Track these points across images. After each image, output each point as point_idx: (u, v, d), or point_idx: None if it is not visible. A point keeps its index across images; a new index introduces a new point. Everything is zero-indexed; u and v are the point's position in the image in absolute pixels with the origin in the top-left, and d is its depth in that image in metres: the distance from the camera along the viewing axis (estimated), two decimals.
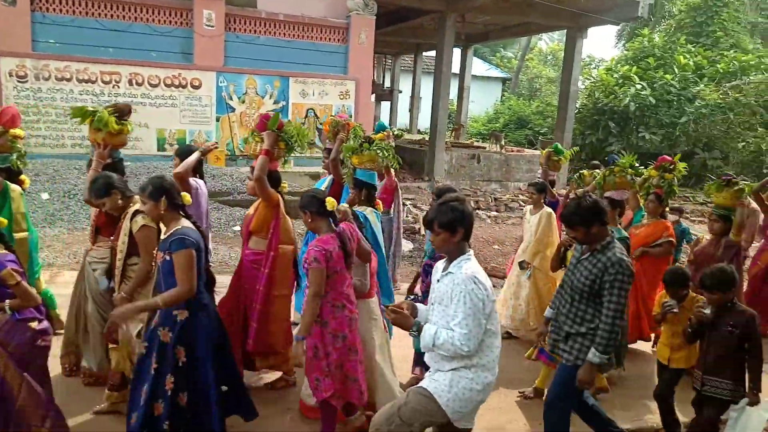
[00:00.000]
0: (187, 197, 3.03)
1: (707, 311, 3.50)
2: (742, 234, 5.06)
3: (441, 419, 2.64)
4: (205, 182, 4.17)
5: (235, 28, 11.10)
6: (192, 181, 4.07)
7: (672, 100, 15.47)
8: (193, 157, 4.02)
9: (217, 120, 11.16)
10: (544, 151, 6.65)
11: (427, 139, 16.42)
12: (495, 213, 12.49)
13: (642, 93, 15.55)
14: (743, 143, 14.38)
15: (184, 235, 2.83)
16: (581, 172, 6.00)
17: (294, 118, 11.74)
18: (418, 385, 2.72)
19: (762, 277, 6.24)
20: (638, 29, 19.23)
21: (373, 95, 21.62)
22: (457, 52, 20.13)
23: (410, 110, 23.72)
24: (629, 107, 15.54)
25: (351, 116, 12.38)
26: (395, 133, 5.86)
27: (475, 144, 18.05)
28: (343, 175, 4.79)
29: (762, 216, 6.40)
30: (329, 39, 12.01)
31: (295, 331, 3.52)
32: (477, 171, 14.77)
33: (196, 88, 10.88)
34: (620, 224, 4.80)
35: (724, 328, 3.40)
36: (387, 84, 25.37)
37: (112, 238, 3.56)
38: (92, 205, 3.70)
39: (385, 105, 25.64)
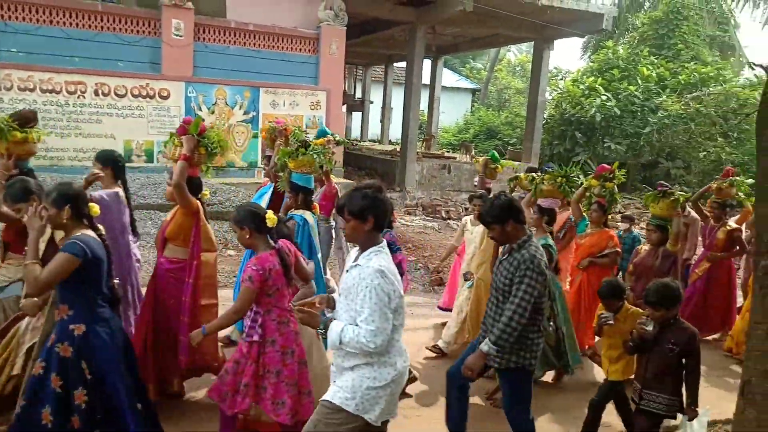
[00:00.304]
0: (95, 208, 2.90)
1: (649, 327, 3.41)
2: (679, 244, 5.07)
3: (360, 422, 2.55)
4: (127, 189, 3.95)
5: (204, 38, 11.02)
6: (103, 193, 3.81)
7: (636, 111, 15.87)
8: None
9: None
10: (481, 159, 6.58)
11: (398, 149, 16.51)
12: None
13: (607, 104, 15.93)
14: (704, 152, 14.83)
15: (77, 240, 2.69)
16: (518, 175, 6.00)
17: (265, 129, 11.69)
18: (323, 399, 2.62)
19: (701, 285, 6.39)
20: (603, 42, 19.74)
21: (345, 106, 21.70)
22: (427, 63, 20.35)
23: (381, 121, 23.83)
24: (595, 118, 15.89)
25: (323, 127, 12.40)
26: (337, 139, 5.87)
27: (446, 154, 18.21)
28: (279, 180, 4.64)
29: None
30: (300, 49, 12.01)
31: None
32: (448, 181, 14.90)
33: (165, 98, 10.76)
34: (549, 232, 4.82)
35: (665, 344, 3.35)
36: (358, 95, 25.46)
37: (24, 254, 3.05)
38: (2, 218, 3.41)
39: (357, 116, 25.71)
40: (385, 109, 23.38)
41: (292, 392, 3.09)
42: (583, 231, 5.60)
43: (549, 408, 4.43)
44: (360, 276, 2.50)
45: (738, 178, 6.48)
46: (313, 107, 12.29)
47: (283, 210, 4.37)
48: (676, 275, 4.97)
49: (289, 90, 12.00)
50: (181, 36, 10.61)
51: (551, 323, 4.67)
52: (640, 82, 16.41)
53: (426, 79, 20.75)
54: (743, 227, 6.69)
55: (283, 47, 11.85)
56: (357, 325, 2.46)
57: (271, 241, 3.17)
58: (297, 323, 3.13)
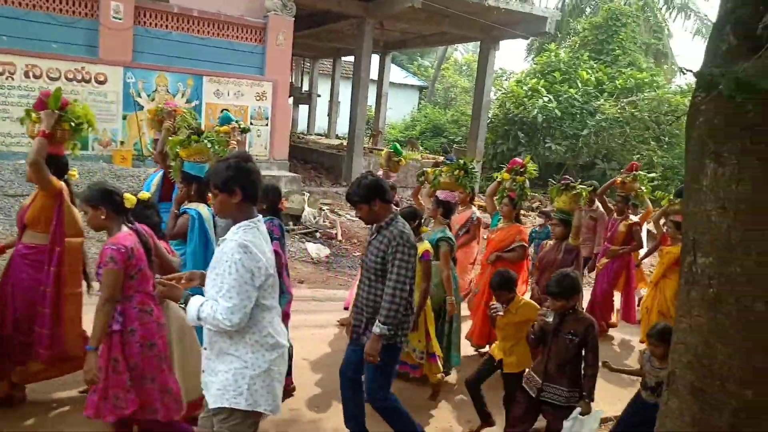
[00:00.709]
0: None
1: (549, 319, 3.47)
2: (580, 238, 5.15)
3: (255, 417, 2.50)
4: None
5: (145, 22, 10.62)
6: None
7: (575, 113, 16.43)
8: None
9: (124, 118, 10.62)
10: (384, 152, 6.51)
11: (345, 144, 16.46)
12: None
13: (549, 105, 16.41)
14: (638, 155, 15.50)
15: None
16: (424, 169, 6.00)
17: (208, 119, 11.41)
18: (212, 408, 2.51)
19: (603, 277, 6.67)
20: (546, 44, 20.31)
21: (291, 98, 21.42)
22: (375, 59, 20.36)
23: (329, 114, 23.68)
24: (537, 118, 16.34)
25: (268, 119, 12.21)
26: (242, 126, 5.57)
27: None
28: (170, 169, 4.38)
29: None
30: (246, 38, 11.76)
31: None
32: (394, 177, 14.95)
33: (101, 83, 10.31)
34: (447, 223, 4.85)
35: (565, 335, 3.41)
36: (306, 87, 25.19)
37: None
38: None
39: (304, 108, 25.44)
40: (333, 102, 23.24)
41: (148, 387, 2.89)
42: (495, 226, 5.61)
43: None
44: (223, 250, 2.40)
45: (641, 172, 6.73)
46: (258, 98, 12.08)
47: (175, 203, 4.03)
48: (579, 269, 5.07)
49: (234, 79, 11.74)
50: (120, 19, 10.18)
51: (439, 319, 4.73)
52: (579, 85, 16.99)
53: (374, 74, 20.81)
54: (650, 223, 6.95)
55: (228, 35, 11.57)
56: (216, 300, 2.35)
57: (128, 224, 2.98)
58: (162, 314, 3.00)
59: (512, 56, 65.56)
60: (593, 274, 7.28)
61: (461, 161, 5.41)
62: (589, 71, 17.43)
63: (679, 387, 2.80)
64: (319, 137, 22.61)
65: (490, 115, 17.24)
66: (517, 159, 5.84)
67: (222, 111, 11.76)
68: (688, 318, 2.78)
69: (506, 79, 21.11)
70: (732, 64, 2.55)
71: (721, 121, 2.62)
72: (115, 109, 10.49)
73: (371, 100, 20.33)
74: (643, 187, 6.67)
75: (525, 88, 17.38)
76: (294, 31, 12.11)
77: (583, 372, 3.45)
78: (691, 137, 2.82)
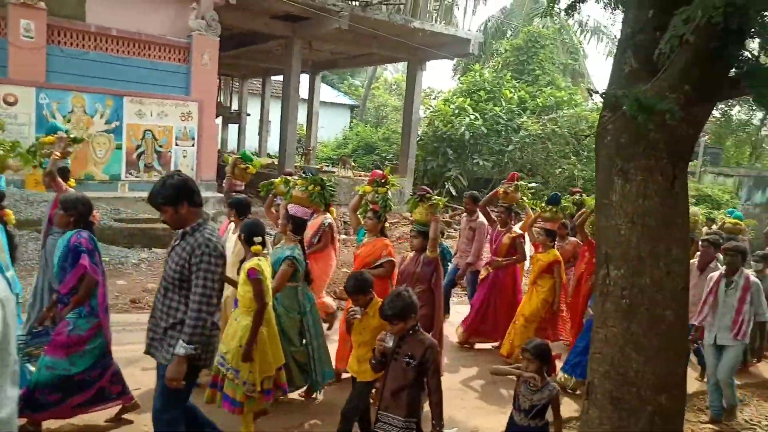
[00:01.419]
0: None
1: (389, 342, 3.18)
2: (437, 250, 4.93)
3: None
4: None
5: (59, 41, 10.13)
6: None
7: (501, 130, 17.00)
8: None
9: (37, 140, 10.02)
10: (231, 158, 6.01)
11: (276, 162, 16.26)
12: (344, 236, 12.67)
13: (475, 123, 16.89)
14: (560, 169, 16.20)
15: None
16: (272, 180, 5.80)
17: (130, 140, 10.98)
18: None
19: (486, 292, 6.48)
20: (471, 65, 20.95)
21: (220, 118, 21.00)
22: (305, 78, 20.34)
23: (259, 134, 23.38)
24: (464, 136, 16.78)
25: (194, 139, 11.89)
26: (72, 137, 5.12)
27: (325, 168, 18.24)
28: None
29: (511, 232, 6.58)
30: (169, 58, 11.45)
31: None
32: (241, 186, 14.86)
33: (11, 104, 9.71)
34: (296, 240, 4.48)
35: (402, 358, 3.12)
36: (235, 107, 24.80)
37: None
38: None
39: (234, 128, 25.01)
40: (263, 122, 22.99)
41: None
42: (360, 241, 5.31)
43: None
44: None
45: (522, 182, 6.72)
46: (184, 118, 11.74)
47: None
48: (439, 281, 4.92)
49: (158, 100, 11.37)
50: (31, 38, 9.66)
51: (303, 339, 4.46)
52: (504, 103, 17.61)
53: (304, 93, 20.78)
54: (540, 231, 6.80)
55: (150, 55, 11.22)
56: None
57: None
58: None
59: (440, 76, 67.42)
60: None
61: (318, 177, 5.08)
62: (512, 90, 18.11)
63: (597, 396, 2.89)
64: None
65: (419, 133, 17.56)
66: (378, 170, 5.58)
67: (144, 131, 11.42)
68: (604, 329, 2.89)
69: (435, 98, 21.58)
70: (634, 86, 2.71)
71: (627, 140, 2.77)
72: (27, 131, 9.89)
73: (302, 118, 20.26)
74: (525, 197, 6.64)
75: (452, 106, 17.83)
76: (220, 51, 11.90)
77: (428, 398, 3.14)
78: (600, 155, 2.96)
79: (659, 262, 2.73)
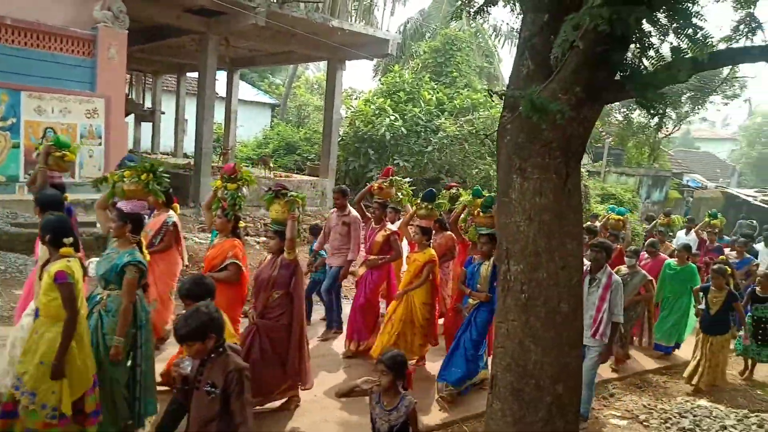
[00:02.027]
0: None
1: (187, 368, 2.78)
2: (295, 252, 4.57)
3: None
4: None
5: None
6: None
7: (420, 131, 17.27)
8: None
9: None
10: (41, 146, 5.32)
11: (192, 163, 15.71)
12: (264, 238, 12.43)
13: (395, 124, 17.07)
14: (476, 170, 16.67)
15: None
16: (105, 176, 5.44)
17: (28, 138, 10.24)
18: None
19: (362, 289, 6.33)
20: (391, 66, 21.15)
21: (132, 116, 20.03)
22: (223, 76, 19.78)
23: (175, 133, 22.50)
24: (385, 136, 16.91)
25: (101, 137, 11.26)
26: None
27: (244, 168, 17.80)
28: None
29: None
30: (72, 51, 10.76)
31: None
32: (246, 196, 14.53)
33: None
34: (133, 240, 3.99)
35: (204, 387, 2.70)
36: (148, 104, 23.73)
37: None
38: None
39: (147, 126, 23.91)
40: (179, 120, 22.14)
41: None
42: (212, 242, 5.00)
43: None
44: None
45: (397, 177, 6.52)
46: (89, 115, 11.09)
47: None
48: (298, 287, 4.58)
49: (60, 95, 10.66)
50: None
51: (129, 358, 3.82)
52: (423, 104, 17.90)
53: (222, 91, 20.19)
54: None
55: (50, 47, 10.51)
56: None
57: None
58: None
59: (361, 76, 67.82)
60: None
61: (147, 163, 4.45)
62: (431, 92, 18.45)
63: (500, 389, 2.99)
64: (165, 156, 21.38)
65: (341, 133, 17.52)
66: (229, 164, 5.38)
67: (45, 129, 10.67)
68: (505, 323, 2.99)
69: (356, 99, 21.61)
70: (530, 88, 2.82)
71: (524, 140, 2.88)
72: None
73: (220, 117, 19.68)
74: (400, 193, 6.45)
75: (373, 107, 17.92)
76: (130, 45, 11.33)
77: None
78: (500, 154, 3.06)
79: (555, 257, 2.85)
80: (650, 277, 7.20)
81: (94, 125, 11.15)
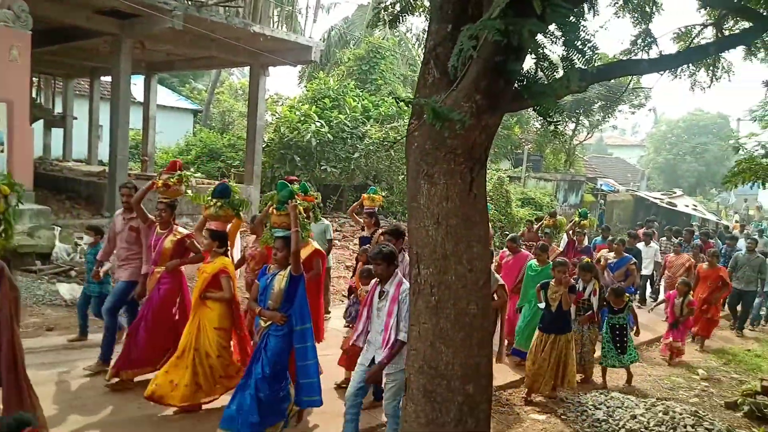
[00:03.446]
0: None
1: None
2: None
3: None
4: None
5: None
6: None
7: (346, 138, 17.31)
8: None
9: None
10: None
11: (108, 171, 14.98)
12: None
13: (321, 130, 17.02)
14: (402, 176, 16.90)
15: None
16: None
17: None
18: None
19: (149, 303, 5.49)
20: (315, 73, 21.09)
21: (41, 121, 18.88)
22: (141, 80, 19.03)
23: (89, 139, 21.37)
24: (311, 143, 16.83)
25: (3, 144, 10.54)
26: None
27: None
28: None
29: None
30: None
31: None
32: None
33: None
34: None
35: None
36: (59, 109, 22.43)
37: None
38: None
39: (58, 132, 22.59)
40: (93, 126, 21.05)
41: None
42: None
43: None
44: None
45: (186, 172, 5.80)
46: None
47: None
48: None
49: None
50: None
51: None
52: (348, 111, 17.97)
53: (140, 96, 19.41)
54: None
55: None
56: None
57: None
58: None
59: (286, 82, 67.27)
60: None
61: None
62: (356, 98, 18.55)
63: (413, 391, 3.03)
64: (78, 164, 20.29)
65: (266, 140, 17.26)
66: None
67: None
68: (417, 326, 3.04)
69: (281, 105, 21.38)
70: (435, 95, 2.90)
71: (430, 146, 2.95)
72: None
73: (138, 123, 18.89)
74: (189, 191, 5.76)
75: (298, 113, 17.80)
76: (35, 47, 10.69)
77: None
78: (409, 161, 3.11)
79: (462, 259, 2.94)
80: (502, 282, 6.32)
81: None
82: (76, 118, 22.18)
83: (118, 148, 12.99)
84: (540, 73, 2.77)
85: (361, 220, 8.18)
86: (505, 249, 8.22)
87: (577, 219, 10.53)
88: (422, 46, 23.16)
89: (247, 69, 27.09)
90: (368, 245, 7.16)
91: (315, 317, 5.27)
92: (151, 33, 12.43)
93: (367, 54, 20.17)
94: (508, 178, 18.95)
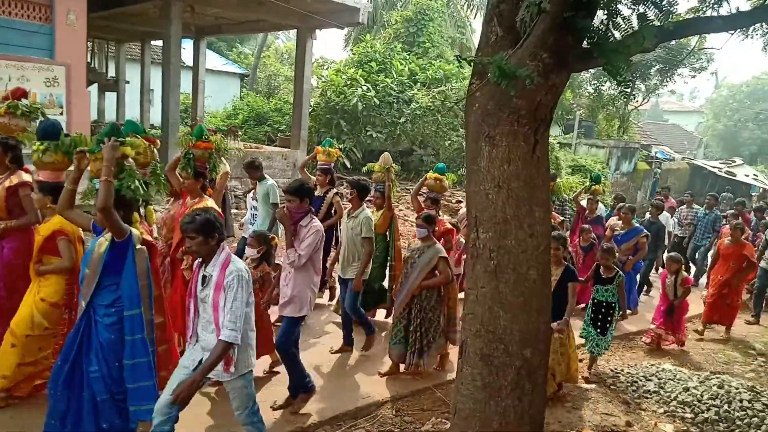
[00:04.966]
0: None
1: None
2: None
3: None
4: None
5: None
6: None
7: (392, 102, 17.13)
8: None
9: None
10: None
11: (160, 134, 15.34)
12: (235, 210, 12.29)
13: (367, 94, 16.88)
14: (449, 141, 16.67)
15: None
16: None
17: None
18: None
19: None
20: (362, 35, 20.83)
21: (95, 85, 19.39)
22: (190, 44, 19.23)
23: (141, 103, 21.90)
24: (357, 107, 16.74)
25: (62, 107, 10.88)
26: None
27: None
28: None
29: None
30: (29, 16, 10.31)
31: None
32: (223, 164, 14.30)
33: None
34: None
35: None
36: (111, 73, 23.00)
37: None
38: None
39: (111, 96, 23.22)
40: (144, 90, 21.54)
41: None
42: None
43: None
44: None
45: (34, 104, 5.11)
46: (49, 84, 10.68)
47: None
48: None
49: (17, 63, 10.22)
50: None
51: None
52: (395, 75, 17.73)
53: (189, 60, 19.65)
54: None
55: (5, 12, 10.04)
56: None
57: None
58: None
59: (332, 46, 66.78)
60: None
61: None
62: (403, 62, 18.25)
63: (470, 354, 3.03)
64: None
65: (312, 104, 17.26)
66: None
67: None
68: (475, 289, 3.02)
69: (327, 69, 21.28)
70: (499, 54, 2.79)
71: (493, 107, 2.87)
72: None
73: (187, 87, 19.18)
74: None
75: (344, 77, 17.68)
76: (90, 11, 10.90)
77: None
78: (469, 122, 3.04)
79: (523, 224, 2.88)
80: (444, 253, 5.35)
81: (55, 94, 10.75)
82: (128, 82, 22.72)
83: (170, 111, 13.24)
84: (612, 31, 2.63)
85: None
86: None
87: (588, 184, 9.11)
88: (470, 7, 22.52)
89: (293, 33, 27.10)
90: (321, 207, 6.80)
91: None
92: None
93: (415, 16, 19.73)
94: (558, 145, 18.45)
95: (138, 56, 22.91)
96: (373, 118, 17.02)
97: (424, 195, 6.97)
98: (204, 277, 3.31)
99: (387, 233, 6.44)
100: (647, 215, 9.93)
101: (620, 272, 6.28)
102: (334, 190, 7.13)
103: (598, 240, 8.21)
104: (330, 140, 8.01)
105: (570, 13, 2.53)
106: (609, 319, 6.18)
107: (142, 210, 4.02)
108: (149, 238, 3.79)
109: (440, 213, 7.05)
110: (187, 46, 19.32)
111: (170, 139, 13.37)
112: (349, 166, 16.42)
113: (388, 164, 6.53)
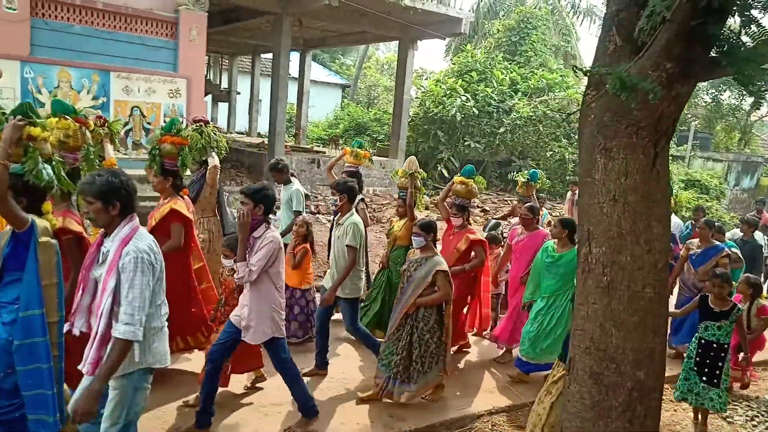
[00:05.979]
0: None
1: None
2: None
3: None
4: None
5: (43, 14, 9.94)
6: None
7: (492, 112, 16.95)
8: None
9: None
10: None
11: (266, 142, 16.18)
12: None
13: (467, 104, 16.83)
14: (551, 152, 16.22)
15: None
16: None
17: (116, 116, 10.85)
18: None
19: None
20: (463, 45, 20.82)
21: (210, 96, 20.77)
22: (296, 57, 20.14)
23: (249, 113, 23.21)
24: (456, 117, 16.73)
25: (182, 116, 11.78)
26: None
27: (316, 149, 18.17)
28: None
29: None
30: (157, 33, 11.27)
31: None
32: (317, 175, 14.87)
33: None
34: None
35: None
36: (224, 85, 24.55)
37: None
38: None
39: (223, 107, 24.79)
40: (253, 100, 22.80)
41: None
42: None
43: None
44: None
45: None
46: (172, 95, 11.61)
47: None
48: None
49: (145, 76, 11.22)
50: (14, 9, 9.47)
51: None
52: (495, 84, 17.54)
53: (295, 72, 20.58)
54: None
55: (137, 29, 11.04)
56: None
57: None
58: None
59: (432, 56, 67.10)
60: None
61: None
62: (504, 71, 18.03)
63: (578, 372, 2.94)
64: (240, 135, 22.13)
65: (411, 114, 17.47)
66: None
67: (132, 108, 11.30)
68: (586, 305, 2.93)
69: (426, 79, 21.46)
70: (617, 64, 2.71)
71: (610, 118, 2.78)
72: (11, 105, 9.75)
73: (292, 98, 20.09)
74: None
75: (443, 87, 17.74)
76: (210, 27, 11.74)
77: None
78: (583, 134, 2.97)
79: (640, 240, 2.76)
80: (444, 266, 4.65)
81: (177, 104, 11.67)
82: (239, 93, 24.14)
83: (277, 121, 13.95)
84: (744, 38, 2.48)
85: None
86: (517, 225, 6.22)
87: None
88: (576, 13, 21.84)
89: (393, 44, 27.62)
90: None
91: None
92: (309, 10, 13.07)
93: (518, 24, 19.46)
94: (670, 157, 17.37)
95: (249, 68, 24.31)
96: (472, 128, 16.93)
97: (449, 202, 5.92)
98: (102, 253, 2.79)
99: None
100: (737, 232, 8.58)
101: (738, 306, 5.02)
102: (360, 197, 6.10)
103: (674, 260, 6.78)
104: (359, 141, 7.50)
105: (698, 21, 2.41)
106: (720, 364, 4.89)
107: (73, 198, 3.68)
108: (76, 229, 3.47)
109: (470, 221, 5.95)
110: (293, 58, 20.25)
111: (276, 146, 14.06)
112: (447, 175, 16.43)
113: (413, 169, 5.94)
